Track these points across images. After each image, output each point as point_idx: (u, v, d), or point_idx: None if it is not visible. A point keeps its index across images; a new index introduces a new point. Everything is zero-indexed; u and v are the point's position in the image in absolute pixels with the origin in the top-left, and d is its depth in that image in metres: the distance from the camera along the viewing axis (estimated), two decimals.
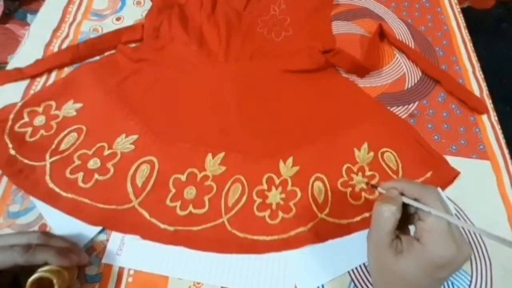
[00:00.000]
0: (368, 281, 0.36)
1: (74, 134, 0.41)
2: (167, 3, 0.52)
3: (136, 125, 0.42)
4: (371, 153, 0.42)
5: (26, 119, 0.41)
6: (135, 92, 0.45)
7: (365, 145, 0.42)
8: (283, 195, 0.39)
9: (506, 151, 0.44)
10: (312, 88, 0.47)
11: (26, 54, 0.47)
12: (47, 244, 0.31)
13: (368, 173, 0.40)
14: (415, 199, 0.27)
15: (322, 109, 0.45)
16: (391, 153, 0.42)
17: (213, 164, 0.40)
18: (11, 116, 0.41)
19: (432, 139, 0.44)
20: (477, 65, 0.51)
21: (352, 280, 0.36)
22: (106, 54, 0.48)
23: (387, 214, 0.27)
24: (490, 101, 0.48)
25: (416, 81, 0.49)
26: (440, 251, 0.25)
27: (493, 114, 0.47)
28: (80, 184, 0.38)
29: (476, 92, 0.48)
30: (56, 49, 0.48)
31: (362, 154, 0.41)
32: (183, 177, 0.39)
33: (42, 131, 0.41)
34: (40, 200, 0.37)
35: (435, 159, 0.42)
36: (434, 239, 0.26)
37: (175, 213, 0.37)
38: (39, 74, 0.46)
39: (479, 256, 0.37)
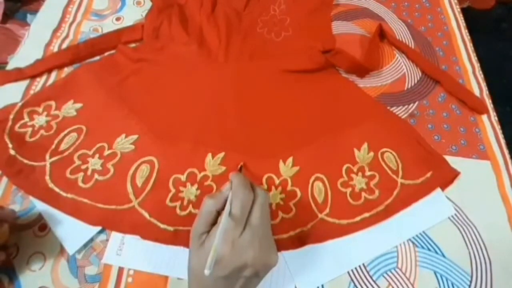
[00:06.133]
0: (368, 281, 0.36)
1: (74, 134, 0.41)
2: (167, 3, 0.52)
3: (136, 125, 0.42)
4: (371, 153, 0.42)
5: (26, 119, 0.42)
6: (135, 92, 0.45)
7: (365, 145, 0.42)
8: (283, 195, 0.39)
9: (506, 151, 0.44)
10: (312, 88, 0.47)
11: (26, 54, 0.47)
12: None
13: (368, 173, 0.40)
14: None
15: (322, 109, 0.45)
16: (391, 153, 0.42)
17: (213, 164, 0.40)
18: (11, 116, 0.41)
19: (432, 139, 0.44)
20: (477, 65, 0.51)
21: (352, 280, 0.36)
22: (106, 54, 0.48)
23: (205, 207, 0.29)
24: (490, 101, 0.48)
25: (416, 81, 0.49)
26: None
27: (493, 114, 0.47)
28: (80, 184, 0.38)
29: (476, 92, 0.48)
30: (56, 49, 0.48)
31: (362, 154, 0.41)
32: (183, 177, 0.39)
33: (42, 131, 0.41)
34: (39, 200, 0.37)
35: (435, 159, 0.42)
36: (210, 237, 0.27)
37: (175, 213, 0.37)
38: (39, 74, 0.46)
39: (479, 256, 0.37)
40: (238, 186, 0.29)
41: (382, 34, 0.52)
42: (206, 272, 0.24)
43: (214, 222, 0.29)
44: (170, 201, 0.38)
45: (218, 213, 0.29)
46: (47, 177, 0.38)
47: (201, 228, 0.29)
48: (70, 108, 0.43)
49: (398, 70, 0.50)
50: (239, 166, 0.39)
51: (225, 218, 0.27)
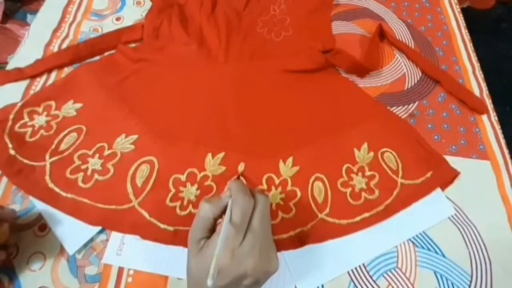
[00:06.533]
0: (368, 281, 0.36)
1: (74, 134, 0.41)
2: (167, 3, 0.52)
3: (136, 125, 0.42)
4: (371, 153, 0.41)
5: (26, 119, 0.42)
6: (135, 92, 0.45)
7: (365, 145, 0.42)
8: (283, 195, 0.39)
9: (506, 151, 0.44)
10: (312, 88, 0.47)
11: (26, 54, 0.47)
12: None
13: (368, 173, 0.40)
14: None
15: (322, 109, 0.45)
16: (391, 153, 0.42)
17: (213, 164, 0.40)
18: (11, 116, 0.41)
19: (432, 139, 0.44)
20: (477, 65, 0.51)
21: (352, 280, 0.36)
22: (106, 54, 0.48)
23: (202, 212, 0.28)
24: (490, 101, 0.48)
25: (416, 81, 0.49)
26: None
27: (493, 114, 0.47)
28: (80, 184, 0.38)
29: (476, 92, 0.48)
30: (56, 49, 0.48)
31: (362, 154, 0.41)
32: (183, 177, 0.39)
33: (42, 131, 0.41)
34: (39, 200, 0.37)
35: (435, 159, 0.42)
36: (210, 245, 0.27)
37: (175, 213, 0.37)
38: (39, 74, 0.46)
39: (479, 256, 0.37)
40: (237, 193, 0.28)
41: (382, 34, 0.52)
42: (209, 282, 0.23)
43: (212, 228, 0.29)
44: (170, 201, 0.38)
45: (215, 219, 0.29)
46: (47, 177, 0.38)
47: (199, 233, 0.28)
48: (70, 108, 0.43)
49: (398, 70, 0.50)
50: (238, 173, 0.39)
51: (226, 226, 0.27)
